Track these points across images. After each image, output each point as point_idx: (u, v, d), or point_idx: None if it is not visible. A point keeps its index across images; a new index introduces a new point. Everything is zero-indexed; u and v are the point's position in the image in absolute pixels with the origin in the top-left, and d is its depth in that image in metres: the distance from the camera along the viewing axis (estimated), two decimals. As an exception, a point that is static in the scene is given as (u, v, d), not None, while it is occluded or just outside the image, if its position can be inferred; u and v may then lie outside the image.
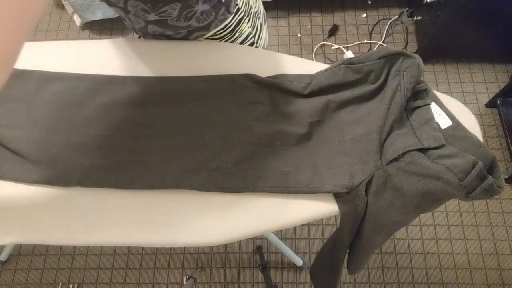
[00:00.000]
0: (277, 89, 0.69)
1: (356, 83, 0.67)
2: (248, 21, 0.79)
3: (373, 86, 0.66)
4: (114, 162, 0.64)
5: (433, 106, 0.63)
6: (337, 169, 0.61)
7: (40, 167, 0.64)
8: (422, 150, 0.60)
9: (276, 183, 0.61)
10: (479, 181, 0.57)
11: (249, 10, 0.79)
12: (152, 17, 0.65)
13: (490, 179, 0.57)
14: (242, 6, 0.74)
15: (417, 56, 0.66)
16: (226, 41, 0.78)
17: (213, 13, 0.68)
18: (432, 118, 0.62)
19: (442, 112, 0.62)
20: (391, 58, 0.65)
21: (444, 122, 0.62)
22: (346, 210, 0.61)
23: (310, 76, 0.69)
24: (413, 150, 0.60)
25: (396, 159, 0.60)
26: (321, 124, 0.65)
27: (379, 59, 0.65)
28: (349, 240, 0.67)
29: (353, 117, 0.65)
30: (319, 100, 0.67)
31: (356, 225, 0.64)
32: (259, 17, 0.86)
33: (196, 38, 0.76)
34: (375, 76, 0.66)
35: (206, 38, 0.76)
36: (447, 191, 0.59)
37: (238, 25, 0.77)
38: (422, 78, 0.65)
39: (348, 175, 0.61)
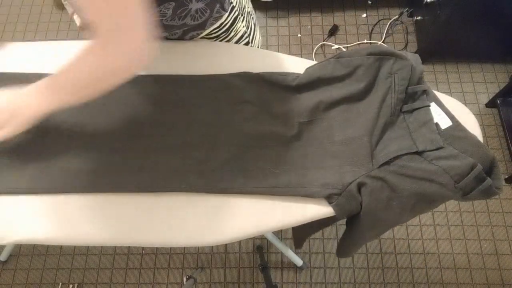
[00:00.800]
0: (266, 85, 0.69)
1: (344, 77, 0.66)
2: (243, 20, 0.80)
3: (362, 86, 0.65)
4: (105, 164, 0.64)
5: (433, 107, 0.63)
6: (326, 170, 0.61)
7: (30, 174, 0.63)
8: (419, 152, 0.59)
9: (266, 184, 0.61)
10: (477, 183, 0.57)
11: (243, 10, 0.79)
12: None
13: (488, 181, 0.57)
14: (236, 4, 0.74)
15: (414, 56, 0.66)
16: (221, 40, 0.78)
17: (208, 11, 0.68)
18: (431, 119, 0.61)
19: (442, 112, 0.62)
20: (382, 59, 0.65)
21: (444, 122, 0.61)
22: (342, 211, 0.61)
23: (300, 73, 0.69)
24: (406, 154, 0.59)
25: (387, 163, 0.60)
26: (310, 124, 0.65)
27: (368, 55, 0.65)
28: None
29: (343, 118, 0.65)
30: (309, 100, 0.67)
31: (351, 217, 0.64)
32: (252, 17, 0.87)
33: (192, 37, 0.76)
34: (363, 72, 0.65)
35: (202, 38, 0.76)
36: (441, 193, 0.59)
37: (233, 24, 0.77)
38: (422, 79, 0.65)
39: (338, 176, 0.60)
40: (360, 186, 0.60)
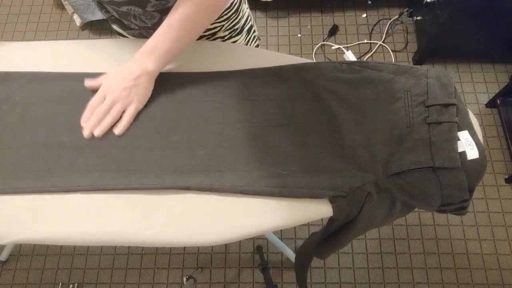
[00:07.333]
0: (273, 81, 0.69)
1: (356, 84, 0.67)
2: (245, 2, 0.83)
3: (373, 95, 0.65)
4: (111, 161, 0.64)
5: (465, 134, 0.61)
6: (335, 172, 0.61)
7: (34, 173, 0.63)
8: (434, 167, 0.59)
9: (274, 184, 0.61)
10: (455, 209, 0.60)
11: None
12: (172, 1, 0.67)
13: (466, 210, 0.59)
14: None
15: (445, 72, 0.65)
16: (232, 22, 0.80)
17: None
18: (455, 137, 0.60)
19: (473, 143, 0.60)
20: (399, 74, 0.66)
21: (471, 153, 0.59)
22: (340, 213, 0.61)
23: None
24: (419, 168, 0.59)
25: (397, 174, 0.59)
26: (319, 126, 0.65)
27: (385, 71, 0.66)
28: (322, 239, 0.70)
29: (353, 123, 0.64)
30: (319, 101, 0.67)
31: (340, 227, 0.65)
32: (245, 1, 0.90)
33: None
34: (376, 83, 0.66)
35: (215, 21, 0.77)
36: (422, 208, 0.62)
37: (240, 4, 0.79)
38: (453, 94, 0.63)
39: (346, 179, 0.60)
40: (367, 194, 0.60)
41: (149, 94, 0.67)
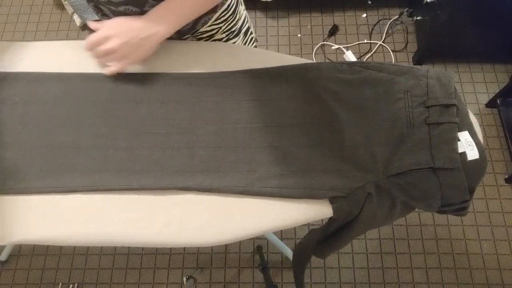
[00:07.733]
0: (272, 81, 0.69)
1: (357, 84, 0.67)
2: (241, 4, 0.84)
3: (374, 96, 0.65)
4: (111, 162, 0.64)
5: (465, 135, 0.61)
6: (335, 173, 0.61)
7: (34, 173, 0.63)
8: (435, 168, 0.59)
9: (274, 184, 0.61)
10: (455, 210, 0.60)
11: None
12: None
13: (466, 211, 0.60)
14: None
15: (445, 72, 0.65)
16: (230, 25, 0.80)
17: None
18: (455, 138, 0.60)
19: (473, 144, 0.60)
20: (399, 74, 0.66)
21: (472, 154, 0.59)
22: (340, 213, 0.61)
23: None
24: (419, 168, 0.59)
25: (397, 175, 0.59)
26: (320, 127, 0.65)
27: (386, 71, 0.66)
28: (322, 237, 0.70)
29: (353, 124, 0.64)
30: (318, 101, 0.67)
31: (340, 227, 0.65)
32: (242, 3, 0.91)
33: (204, 24, 0.76)
34: (377, 83, 0.66)
35: (213, 23, 0.77)
36: (423, 208, 0.62)
37: (237, 6, 0.80)
38: (453, 94, 0.63)
39: (346, 180, 0.60)
40: (367, 194, 0.60)
41: (148, 55, 0.68)
